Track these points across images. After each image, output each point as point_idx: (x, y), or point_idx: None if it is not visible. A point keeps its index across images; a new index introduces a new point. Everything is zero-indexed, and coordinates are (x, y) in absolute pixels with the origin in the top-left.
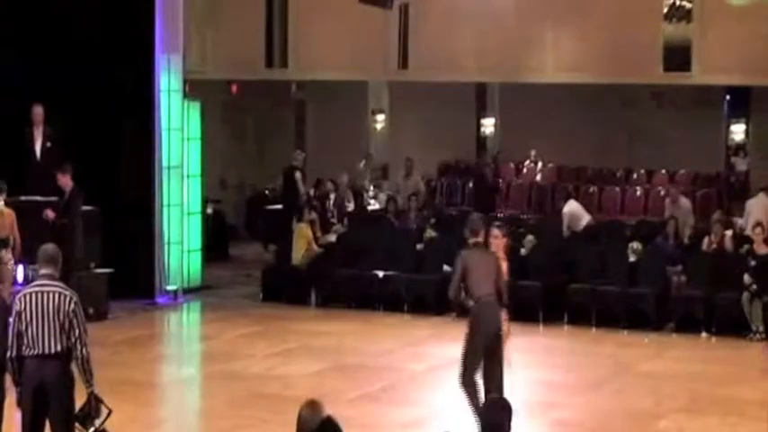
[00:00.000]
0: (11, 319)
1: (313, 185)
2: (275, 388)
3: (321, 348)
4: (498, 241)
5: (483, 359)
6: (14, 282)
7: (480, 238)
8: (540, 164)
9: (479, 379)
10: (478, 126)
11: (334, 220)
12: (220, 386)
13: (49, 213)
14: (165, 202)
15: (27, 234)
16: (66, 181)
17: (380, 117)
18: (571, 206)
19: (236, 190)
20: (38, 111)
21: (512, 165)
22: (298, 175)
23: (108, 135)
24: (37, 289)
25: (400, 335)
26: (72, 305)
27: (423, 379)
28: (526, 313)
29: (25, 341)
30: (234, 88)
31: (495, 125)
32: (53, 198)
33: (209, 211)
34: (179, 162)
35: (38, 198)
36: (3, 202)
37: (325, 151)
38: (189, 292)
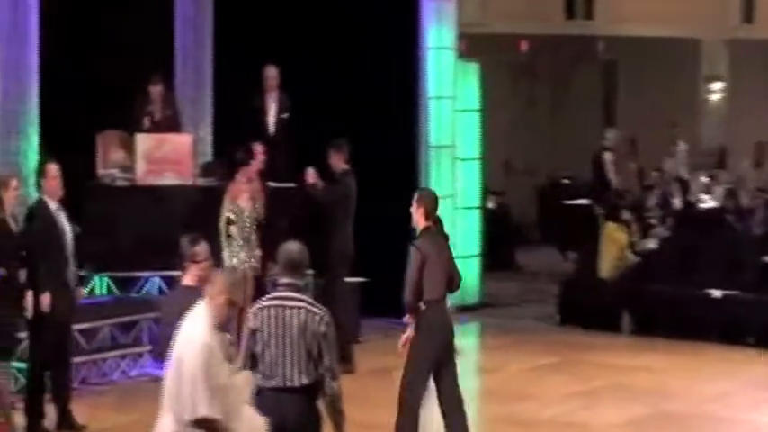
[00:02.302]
0: (244, 337)
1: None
2: None
3: (635, 389)
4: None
5: (433, 375)
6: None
7: (432, 222)
8: None
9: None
10: None
11: (654, 221)
12: None
13: (311, 177)
14: None
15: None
16: (337, 161)
17: (716, 86)
18: None
19: (526, 178)
20: (271, 73)
21: None
22: (607, 156)
23: (358, 105)
24: (277, 303)
25: (741, 373)
26: (322, 326)
27: None
28: None
29: (261, 368)
30: (523, 46)
31: None
32: (291, 184)
33: (490, 205)
34: (450, 141)
35: (271, 183)
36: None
37: (642, 128)
38: (463, 310)
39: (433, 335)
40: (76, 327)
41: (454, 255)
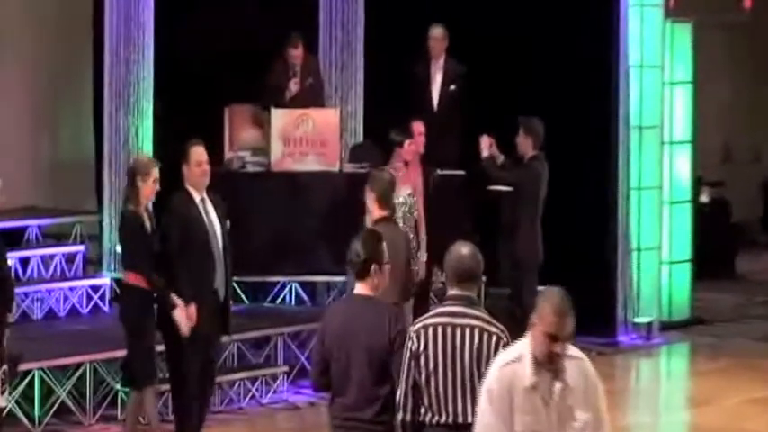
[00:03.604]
0: (405, 361)
1: None
2: None
3: None
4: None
5: None
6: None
7: (389, 211)
8: None
9: None
10: None
11: None
12: None
13: (487, 148)
14: (634, 183)
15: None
16: (526, 145)
17: None
18: None
19: (750, 166)
20: (437, 35)
21: None
22: None
23: (542, 75)
24: (445, 320)
25: None
26: (501, 349)
27: None
28: None
29: (426, 400)
30: (747, 2)
31: None
32: (459, 171)
33: (705, 199)
34: (657, 120)
35: (436, 170)
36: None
37: None
38: (671, 327)
39: None
40: None
41: (665, 259)
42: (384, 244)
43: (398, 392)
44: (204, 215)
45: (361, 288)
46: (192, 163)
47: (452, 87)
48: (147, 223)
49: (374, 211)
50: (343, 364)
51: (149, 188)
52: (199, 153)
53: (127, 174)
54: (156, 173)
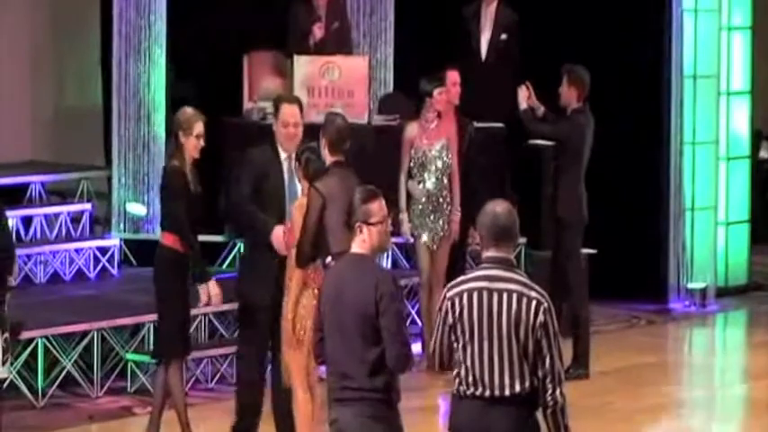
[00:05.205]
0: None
1: None
2: None
3: None
4: None
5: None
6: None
7: (342, 156)
8: None
9: None
10: None
11: None
12: None
13: (525, 99)
14: (687, 137)
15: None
16: (570, 95)
17: None
18: None
19: None
20: None
21: None
22: None
23: (584, 18)
24: (482, 284)
25: None
26: (541, 315)
27: None
28: None
29: (462, 371)
30: None
31: None
32: (497, 124)
33: (765, 154)
34: (713, 69)
35: (475, 123)
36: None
37: None
38: (727, 293)
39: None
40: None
41: (721, 220)
42: (376, 202)
43: (431, 346)
44: (285, 174)
45: (355, 246)
46: (279, 121)
47: (503, 37)
48: (192, 183)
49: (326, 156)
50: (335, 329)
51: (192, 143)
52: (288, 113)
53: (171, 128)
54: (199, 127)
